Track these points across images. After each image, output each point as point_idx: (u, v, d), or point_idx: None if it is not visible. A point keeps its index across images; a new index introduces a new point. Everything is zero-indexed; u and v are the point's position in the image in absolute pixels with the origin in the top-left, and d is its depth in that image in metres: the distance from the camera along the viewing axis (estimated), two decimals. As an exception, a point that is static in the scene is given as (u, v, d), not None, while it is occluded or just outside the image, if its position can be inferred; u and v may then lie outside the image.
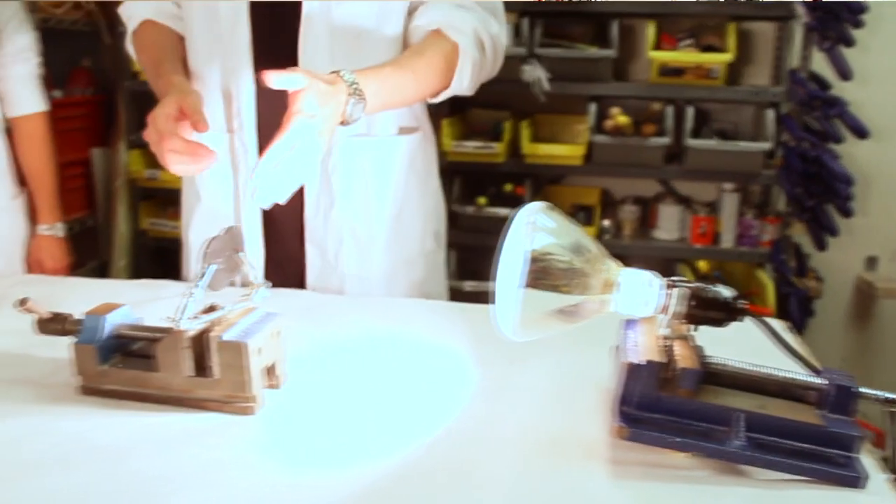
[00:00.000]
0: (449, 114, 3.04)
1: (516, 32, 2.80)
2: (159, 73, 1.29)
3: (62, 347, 1.03)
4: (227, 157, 1.38)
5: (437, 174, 1.54)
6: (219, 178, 1.41)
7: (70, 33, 3.10)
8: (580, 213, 3.01)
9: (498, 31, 1.35)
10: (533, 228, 0.82)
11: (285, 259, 1.42)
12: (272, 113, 1.27)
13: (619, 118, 2.69)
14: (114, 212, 3.24)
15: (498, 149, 2.89)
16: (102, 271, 3.25)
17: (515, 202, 2.95)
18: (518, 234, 0.84)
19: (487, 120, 3.14)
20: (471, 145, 2.90)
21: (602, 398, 0.95)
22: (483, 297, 1.48)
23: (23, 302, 0.95)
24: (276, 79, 0.99)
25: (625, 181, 3.20)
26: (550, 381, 1.00)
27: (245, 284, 0.97)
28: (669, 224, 3.01)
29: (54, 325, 0.98)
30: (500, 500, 0.75)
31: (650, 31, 2.76)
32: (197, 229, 1.51)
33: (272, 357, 0.94)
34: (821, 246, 2.57)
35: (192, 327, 0.87)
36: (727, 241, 2.90)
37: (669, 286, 0.83)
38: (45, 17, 2.80)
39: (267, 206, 0.99)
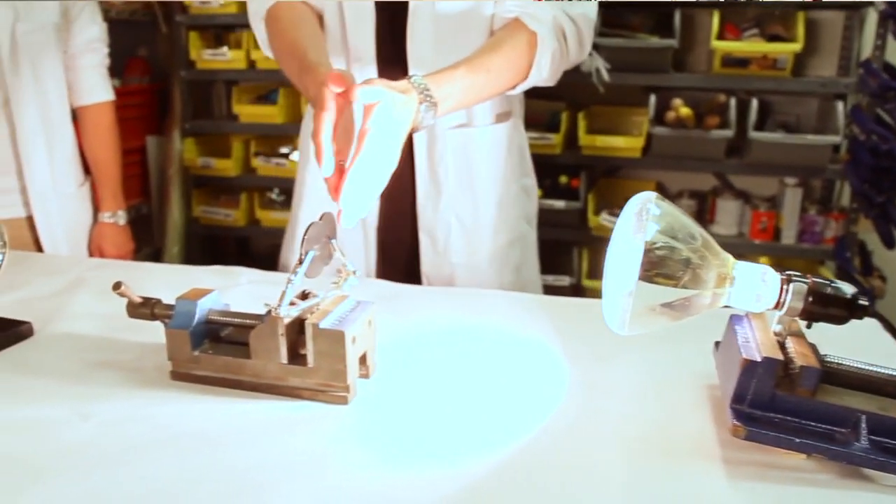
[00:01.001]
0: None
1: (576, 22, 2.76)
2: (304, 66, 1.16)
3: (144, 332, 1.03)
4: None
5: (528, 156, 1.56)
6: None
7: (127, 23, 3.12)
8: (637, 207, 2.96)
9: (582, 11, 1.32)
10: (646, 218, 0.78)
11: (398, 248, 1.45)
12: None
13: (682, 110, 2.64)
14: (167, 199, 3.26)
15: (555, 140, 2.86)
16: (155, 258, 3.27)
17: (571, 195, 2.92)
18: (628, 224, 0.82)
19: (542, 111, 3.10)
20: (529, 136, 2.85)
21: (701, 395, 0.92)
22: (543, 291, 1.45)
23: (117, 286, 0.95)
24: (361, 94, 0.97)
25: (679, 175, 3.15)
26: (644, 377, 0.98)
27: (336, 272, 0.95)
28: (727, 219, 2.96)
29: (144, 309, 0.97)
30: (619, 499, 0.73)
31: (714, 20, 2.71)
32: (305, 218, 1.49)
33: (365, 346, 0.92)
34: (890, 244, 2.50)
35: (291, 314, 0.85)
36: (788, 237, 2.84)
37: (785, 281, 0.80)
38: (106, 8, 2.82)
39: (353, 225, 0.97)
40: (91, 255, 2.07)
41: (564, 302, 1.25)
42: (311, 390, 0.89)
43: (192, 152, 3.22)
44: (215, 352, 0.93)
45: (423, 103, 1.07)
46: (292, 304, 0.87)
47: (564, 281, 3.01)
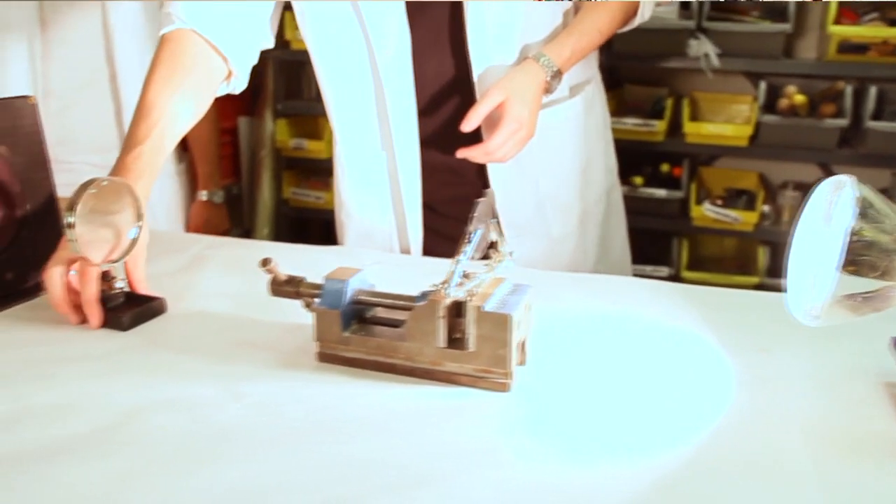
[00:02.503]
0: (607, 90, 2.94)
1: (684, 5, 2.68)
2: (134, 137, 1.11)
3: (277, 311, 1.02)
4: (386, 175, 1.37)
5: (607, 113, 1.54)
6: (375, 198, 1.40)
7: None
8: (742, 197, 2.87)
9: None
10: (849, 203, 0.73)
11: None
12: (436, 129, 1.33)
13: (796, 97, 2.54)
14: (258, 181, 3.27)
15: (658, 127, 2.78)
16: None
17: (673, 183, 2.84)
18: (818, 209, 0.76)
19: (642, 97, 3.02)
20: (630, 122, 2.79)
21: (880, 392, 0.86)
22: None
23: (265, 262, 0.92)
24: (476, 117, 1.21)
25: (783, 165, 3.04)
26: (815, 371, 0.91)
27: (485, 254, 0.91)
28: (837, 212, 2.84)
29: (289, 287, 0.95)
30: (818, 499, 0.68)
31: (831, 4, 2.59)
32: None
33: (524, 332, 0.88)
34: None
35: (459, 296, 0.82)
36: (902, 232, 2.71)
37: None
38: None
39: None
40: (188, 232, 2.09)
41: (708, 291, 1.19)
42: (470, 376, 0.85)
43: (285, 133, 3.23)
44: (367, 333, 0.90)
45: (549, 75, 1.23)
46: (461, 283, 0.83)
47: (663, 272, 2.93)
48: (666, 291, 1.17)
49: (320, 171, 3.34)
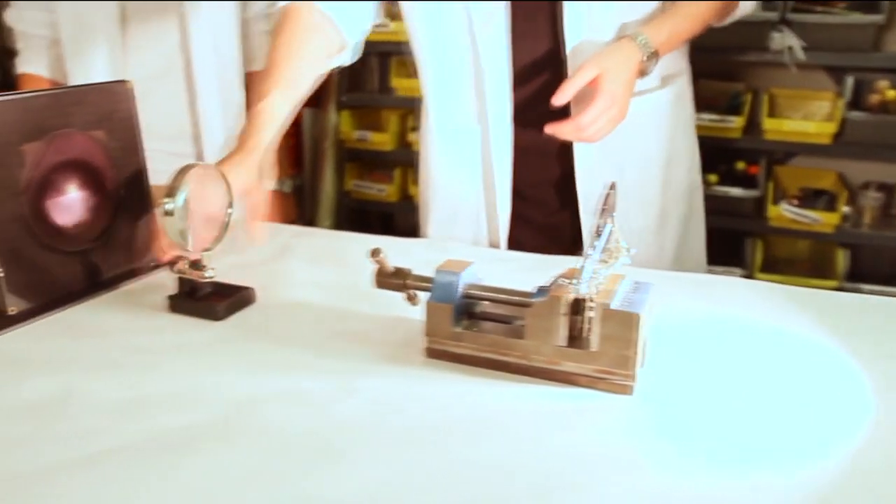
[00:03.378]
0: (679, 83, 2.89)
1: (767, -5, 2.61)
2: (258, 95, 1.17)
3: (373, 302, 1.02)
4: (479, 150, 1.37)
5: (694, 110, 1.54)
6: (466, 172, 1.40)
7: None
8: (822, 198, 2.79)
9: None
10: None
11: (543, 224, 1.41)
12: (527, 103, 1.32)
13: (889, 93, 2.46)
14: (320, 172, 3.27)
15: (736, 123, 2.71)
16: (307, 231, 3.28)
17: (748, 182, 2.77)
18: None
19: (717, 92, 2.95)
20: (706, 118, 2.72)
21: None
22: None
23: (375, 252, 0.91)
24: (569, 90, 1.19)
25: (865, 164, 2.94)
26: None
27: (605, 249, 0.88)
28: (921, 214, 2.75)
29: (395, 279, 0.93)
30: None
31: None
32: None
33: (646, 332, 0.85)
34: None
35: (584, 292, 0.79)
36: None
37: None
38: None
39: None
40: None
41: (811, 293, 1.14)
42: (589, 377, 0.82)
43: (348, 125, 3.22)
44: (478, 329, 0.87)
45: (645, 55, 1.21)
46: (593, 279, 0.80)
47: (735, 273, 2.86)
48: (774, 293, 1.13)
49: (383, 164, 3.33)
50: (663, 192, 1.40)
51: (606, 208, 0.80)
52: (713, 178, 2.82)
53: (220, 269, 1.05)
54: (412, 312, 0.96)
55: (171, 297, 1.03)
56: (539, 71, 1.31)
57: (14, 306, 1.00)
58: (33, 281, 1.02)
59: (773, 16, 2.59)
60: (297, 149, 3.34)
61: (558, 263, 1.17)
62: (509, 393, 0.82)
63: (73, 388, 0.82)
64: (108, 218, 1.13)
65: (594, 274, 0.82)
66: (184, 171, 0.96)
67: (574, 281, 0.79)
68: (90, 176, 1.10)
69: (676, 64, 1.39)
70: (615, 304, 0.79)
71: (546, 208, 1.41)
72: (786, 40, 2.54)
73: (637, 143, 1.34)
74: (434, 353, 0.89)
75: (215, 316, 1.00)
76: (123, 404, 0.79)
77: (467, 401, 0.81)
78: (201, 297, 1.04)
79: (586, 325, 0.82)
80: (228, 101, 1.89)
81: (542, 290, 0.84)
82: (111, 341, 0.94)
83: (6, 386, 0.83)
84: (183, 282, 1.04)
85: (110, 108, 1.11)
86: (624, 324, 0.79)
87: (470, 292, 0.89)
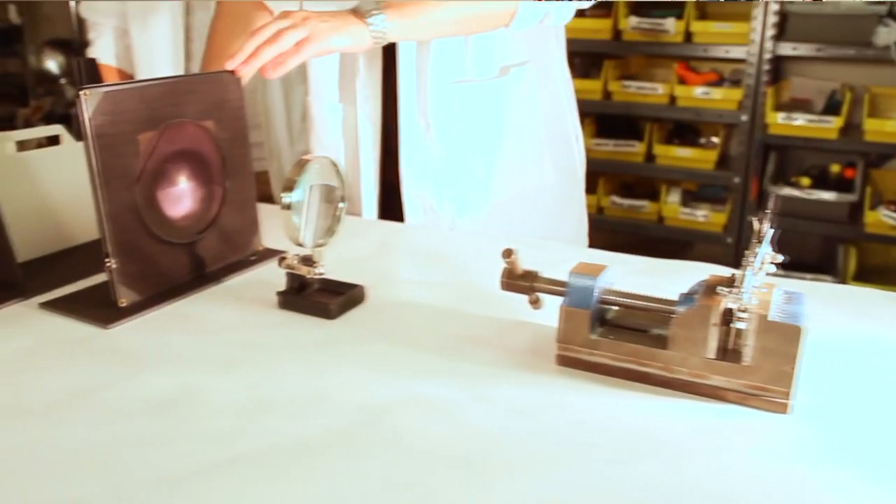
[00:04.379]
0: (771, 82, 2.81)
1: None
2: None
3: (489, 304, 1.00)
4: (339, 129, 1.46)
5: (565, 99, 1.52)
6: (331, 149, 1.48)
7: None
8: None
9: None
10: None
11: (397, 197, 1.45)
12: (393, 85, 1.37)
13: None
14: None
15: (835, 123, 2.62)
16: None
17: (843, 186, 2.68)
18: None
19: (810, 90, 2.87)
20: (802, 118, 2.64)
21: None
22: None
23: (509, 253, 0.87)
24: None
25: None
26: None
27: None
28: None
29: (523, 282, 0.89)
30: None
31: None
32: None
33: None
34: None
35: (753, 302, 0.74)
36: None
37: None
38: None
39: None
40: None
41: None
42: (741, 393, 0.78)
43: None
44: (616, 337, 0.83)
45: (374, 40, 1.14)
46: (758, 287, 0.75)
47: (826, 281, 2.78)
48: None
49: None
50: (506, 174, 1.45)
51: (770, 213, 0.75)
52: (805, 181, 2.74)
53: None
54: (531, 316, 0.93)
55: (281, 294, 1.01)
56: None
57: (125, 298, 0.99)
58: (143, 273, 1.01)
59: (880, 9, 2.50)
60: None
61: (664, 268, 1.13)
62: (651, 406, 0.78)
63: (194, 387, 0.80)
64: (215, 210, 1.11)
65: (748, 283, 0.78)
66: (301, 164, 0.94)
67: (733, 289, 0.74)
68: (199, 166, 1.08)
69: (519, 54, 1.41)
70: (774, 316, 0.75)
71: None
72: (892, 35, 2.45)
73: (472, 126, 1.40)
74: (566, 361, 0.85)
75: (328, 314, 0.97)
76: (246, 406, 0.77)
77: (607, 414, 0.77)
78: (310, 293, 1.02)
79: (738, 337, 0.77)
80: (290, 92, 1.90)
81: (688, 298, 0.80)
82: (224, 338, 0.92)
83: (125, 382, 0.81)
84: (292, 278, 1.02)
85: (220, 97, 1.09)
86: (785, 337, 0.74)
87: (606, 298, 0.85)
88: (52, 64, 4.27)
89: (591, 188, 3.39)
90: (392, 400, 0.78)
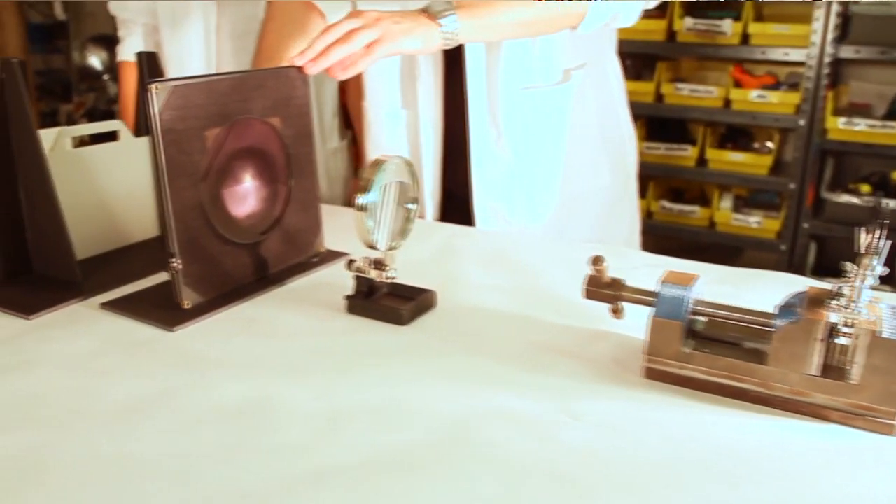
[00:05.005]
0: (830, 86, 2.74)
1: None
2: None
3: (566, 312, 0.97)
4: (405, 134, 1.45)
5: (619, 100, 1.50)
6: (387, 110, 1.47)
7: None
8: None
9: None
10: None
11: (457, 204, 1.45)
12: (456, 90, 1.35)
13: None
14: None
15: (903, 128, 2.56)
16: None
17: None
18: None
19: (870, 95, 2.80)
20: (863, 123, 2.57)
21: None
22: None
23: (597, 260, 0.84)
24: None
25: None
26: None
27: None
28: None
29: (609, 291, 0.86)
30: None
31: None
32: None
33: (910, 364, 0.75)
34: None
35: (866, 316, 0.70)
36: None
37: None
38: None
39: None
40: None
41: None
42: (845, 412, 0.74)
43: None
44: (710, 351, 0.80)
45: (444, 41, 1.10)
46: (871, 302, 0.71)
47: (885, 291, 2.70)
48: None
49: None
50: (568, 176, 1.43)
51: (885, 223, 0.71)
52: (865, 187, 2.67)
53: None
54: (610, 325, 0.90)
55: (349, 298, 0.98)
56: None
57: (188, 300, 0.97)
58: (207, 274, 0.99)
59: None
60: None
61: (742, 277, 1.08)
62: (749, 425, 0.74)
63: (266, 395, 0.77)
64: (279, 210, 1.09)
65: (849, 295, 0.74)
66: (377, 163, 0.91)
67: (842, 302, 0.70)
68: (265, 164, 1.06)
69: (578, 57, 1.39)
70: (887, 332, 0.71)
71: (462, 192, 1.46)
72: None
73: (539, 137, 1.38)
74: (655, 374, 0.82)
75: (400, 320, 0.94)
76: (324, 416, 0.74)
77: (703, 432, 0.73)
78: (379, 298, 0.99)
79: (842, 354, 0.73)
80: (321, 90, 1.89)
81: (788, 311, 0.76)
82: (293, 343, 0.90)
83: (194, 388, 0.79)
84: (360, 281, 0.99)
85: (287, 94, 1.07)
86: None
87: (699, 309, 0.82)
88: (95, 60, 4.30)
89: (641, 192, 3.33)
90: (477, 412, 0.75)
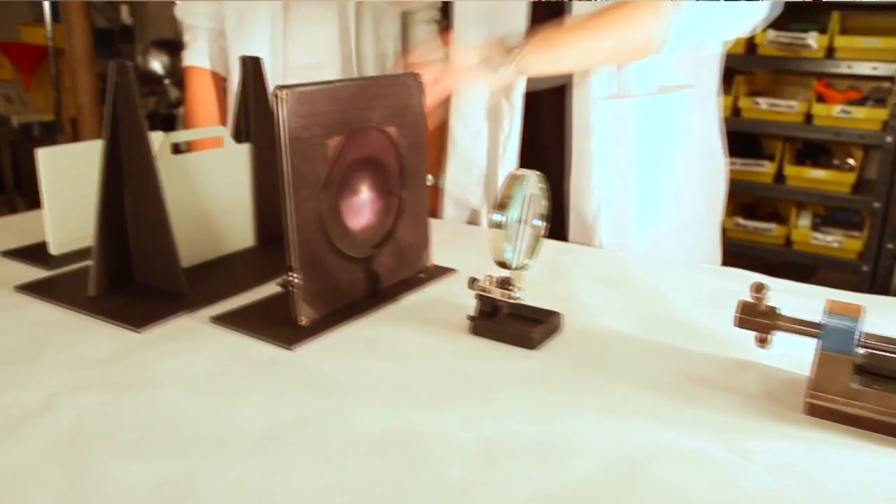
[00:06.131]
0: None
1: None
2: None
3: (700, 337, 0.93)
4: (483, 110, 1.43)
5: (715, 133, 1.45)
6: (474, 130, 1.45)
7: None
8: None
9: None
10: None
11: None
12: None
13: None
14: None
15: None
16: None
17: None
18: None
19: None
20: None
21: None
22: None
23: (759, 288, 0.79)
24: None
25: None
26: None
27: None
28: None
29: (764, 320, 0.80)
30: None
31: None
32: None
33: None
34: None
35: None
36: None
37: None
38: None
39: None
40: None
41: None
42: None
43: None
44: (880, 387, 0.74)
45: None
46: None
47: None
48: None
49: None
50: (658, 205, 1.38)
51: None
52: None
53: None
54: (753, 355, 0.87)
55: (473, 319, 0.94)
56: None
57: (306, 316, 0.93)
58: (323, 289, 0.95)
59: None
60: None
61: (881, 304, 1.02)
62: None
63: (410, 424, 0.73)
64: (391, 222, 1.05)
65: None
66: (515, 178, 0.87)
67: None
68: (380, 175, 1.02)
69: (678, 77, 1.35)
70: None
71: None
72: None
73: (629, 153, 1.34)
74: (818, 412, 0.76)
75: (529, 344, 0.90)
76: (476, 450, 0.69)
77: (890, 478, 0.67)
78: (503, 319, 0.94)
79: None
80: None
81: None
82: (423, 366, 0.85)
83: (331, 415, 0.75)
84: (483, 301, 0.95)
85: (404, 102, 1.03)
86: None
87: (869, 342, 0.76)
88: (157, 64, 4.33)
89: (713, 208, 3.26)
90: (642, 449, 0.70)
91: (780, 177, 3.09)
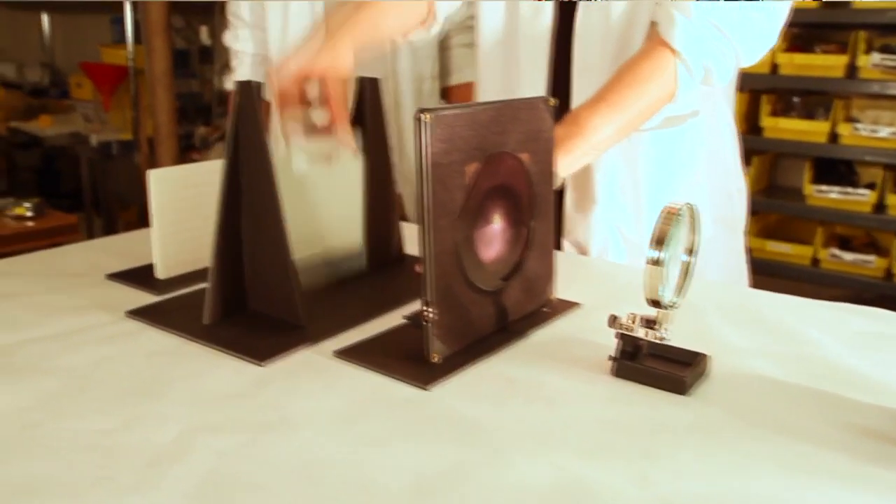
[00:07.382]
0: None
1: None
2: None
3: (843, 382, 0.86)
4: None
5: (730, 152, 1.43)
6: None
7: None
8: None
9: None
10: None
11: None
12: None
13: None
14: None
15: None
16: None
17: None
18: None
19: None
20: None
21: None
22: None
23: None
24: None
25: None
26: None
27: None
28: None
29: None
30: None
31: None
32: None
33: None
34: None
35: None
36: None
37: None
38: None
39: None
40: None
41: None
42: None
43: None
44: None
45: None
46: None
47: None
48: None
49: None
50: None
51: None
52: None
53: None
54: None
55: (616, 359, 0.88)
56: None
57: (438, 353, 0.88)
58: (456, 324, 0.91)
59: None
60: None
61: None
62: None
63: (578, 478, 0.68)
64: (519, 253, 1.00)
65: None
66: (672, 213, 0.81)
67: None
68: (512, 204, 0.97)
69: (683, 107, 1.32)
70: None
71: None
72: None
73: (633, 189, 1.36)
74: None
75: (682, 388, 0.84)
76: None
77: None
78: (647, 360, 0.89)
79: None
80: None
81: None
82: (572, 412, 0.80)
83: (490, 464, 0.70)
84: (625, 340, 0.89)
85: (537, 127, 0.99)
86: None
87: None
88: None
89: (807, 237, 3.16)
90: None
91: (880, 206, 2.97)
